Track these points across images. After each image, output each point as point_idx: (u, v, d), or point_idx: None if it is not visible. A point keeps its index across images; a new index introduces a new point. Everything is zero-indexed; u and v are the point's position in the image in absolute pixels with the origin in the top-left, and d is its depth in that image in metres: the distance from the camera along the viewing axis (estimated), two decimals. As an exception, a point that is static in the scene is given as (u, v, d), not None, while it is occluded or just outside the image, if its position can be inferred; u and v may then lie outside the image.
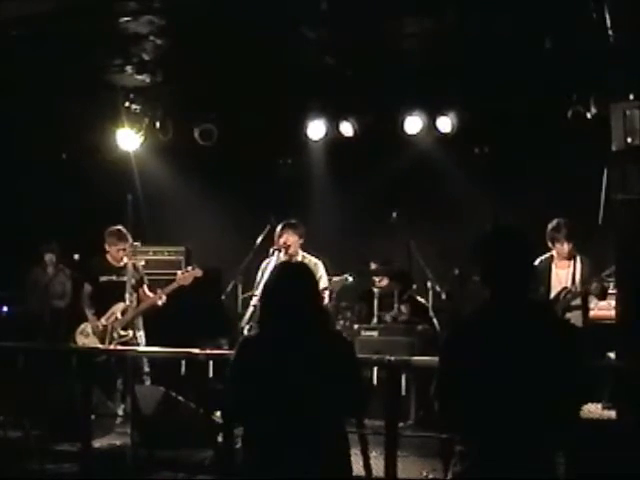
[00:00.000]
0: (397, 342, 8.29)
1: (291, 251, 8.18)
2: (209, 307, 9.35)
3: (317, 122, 10.02)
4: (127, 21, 7.89)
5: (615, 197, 6.58)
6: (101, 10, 7.61)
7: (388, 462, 5.73)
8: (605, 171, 6.81)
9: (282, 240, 8.18)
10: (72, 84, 9.11)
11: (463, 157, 9.93)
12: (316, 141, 10.20)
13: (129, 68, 9.20)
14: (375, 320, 8.83)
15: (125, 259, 8.51)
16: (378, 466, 5.81)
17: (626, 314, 6.56)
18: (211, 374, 7.36)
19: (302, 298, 3.85)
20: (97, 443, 7.09)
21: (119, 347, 8.12)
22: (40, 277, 10.24)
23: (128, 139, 10.40)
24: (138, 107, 10.27)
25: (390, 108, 9.76)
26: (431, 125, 9.72)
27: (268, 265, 8.09)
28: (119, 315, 8.35)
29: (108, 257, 8.57)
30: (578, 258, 7.90)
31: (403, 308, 9.00)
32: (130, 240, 8.53)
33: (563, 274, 7.90)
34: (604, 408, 7.28)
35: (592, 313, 8.01)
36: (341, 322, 8.84)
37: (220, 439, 6.50)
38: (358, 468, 5.57)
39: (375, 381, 7.43)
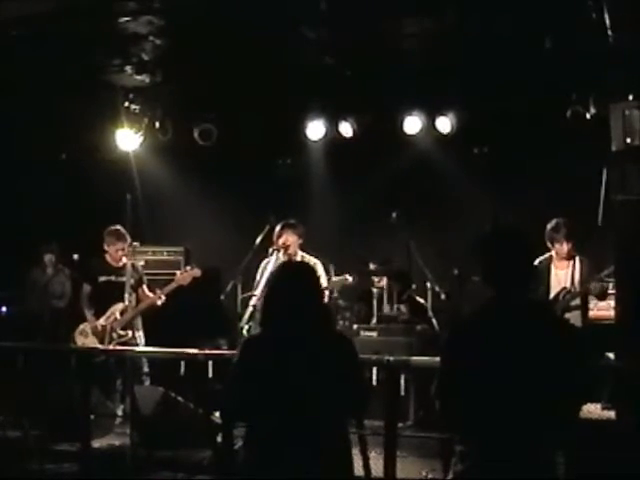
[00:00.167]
0: (396, 342, 8.29)
1: (290, 251, 8.19)
2: (208, 307, 9.35)
3: (316, 122, 10.02)
4: (126, 21, 7.88)
5: (614, 197, 6.57)
6: (101, 10, 7.61)
7: (387, 462, 5.73)
8: (604, 171, 6.80)
9: (281, 240, 8.19)
10: (72, 84, 9.11)
11: (462, 157, 9.93)
12: (315, 141, 10.20)
13: (128, 68, 9.20)
14: (374, 320, 8.83)
15: (124, 259, 8.51)
16: (377, 466, 5.80)
17: (625, 314, 6.55)
18: (210, 374, 7.35)
19: (305, 298, 3.85)
20: (96, 443, 7.08)
21: (118, 347, 8.12)
22: (39, 277, 10.23)
23: (127, 139, 10.39)
24: (137, 107, 10.26)
25: (389, 108, 9.76)
26: (430, 125, 9.72)
27: (267, 265, 8.10)
28: (118, 315, 8.34)
29: (107, 257, 8.57)
30: (577, 258, 7.89)
31: (402, 308, 9.00)
32: (129, 240, 8.52)
33: (562, 274, 7.89)
34: (603, 408, 7.27)
35: (591, 313, 8.01)
36: (340, 322, 8.84)
37: (219, 439, 6.50)
38: (357, 468, 5.54)
39: (374, 381, 7.43)
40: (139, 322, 8.56)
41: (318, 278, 4.13)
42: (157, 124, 10.42)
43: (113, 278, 8.49)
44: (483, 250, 3.69)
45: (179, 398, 7.13)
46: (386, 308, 8.96)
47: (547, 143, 9.26)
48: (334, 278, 8.45)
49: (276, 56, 8.53)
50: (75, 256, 9.83)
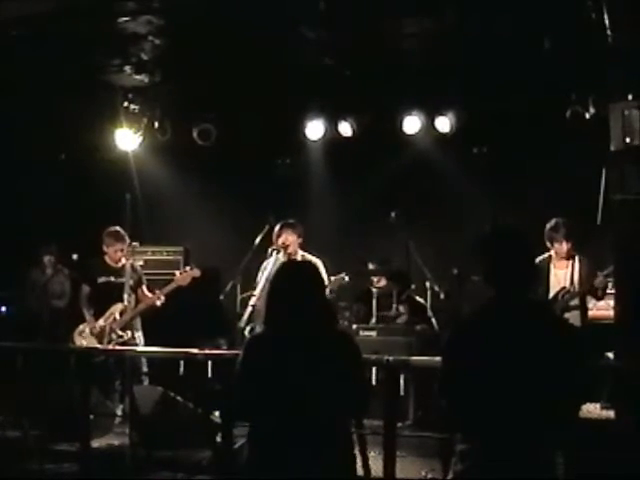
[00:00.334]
0: (396, 342, 8.29)
1: (290, 251, 8.19)
2: (208, 307, 9.35)
3: (316, 122, 10.02)
4: (126, 21, 7.88)
5: (614, 197, 6.57)
6: (100, 10, 7.61)
7: (387, 462, 5.72)
8: (604, 171, 6.80)
9: (281, 240, 8.19)
10: (71, 84, 9.11)
11: (462, 157, 9.93)
12: (315, 141, 10.20)
13: (128, 68, 9.20)
14: (374, 320, 8.83)
15: (123, 260, 8.51)
16: (377, 466, 5.80)
17: (625, 314, 6.55)
18: (210, 374, 7.36)
19: (307, 297, 3.84)
20: (96, 443, 7.07)
21: (117, 347, 8.12)
22: (38, 278, 10.23)
23: (127, 139, 10.39)
24: (137, 107, 10.26)
25: (389, 108, 9.76)
26: (430, 125, 9.72)
27: (267, 265, 8.10)
28: (117, 316, 8.34)
29: (106, 258, 8.56)
30: (577, 258, 7.89)
31: (402, 308, 9.00)
32: (128, 240, 8.52)
33: (562, 274, 7.89)
34: (602, 408, 7.28)
35: (591, 313, 8.02)
36: (340, 322, 8.83)
37: (219, 439, 6.50)
38: (357, 468, 5.56)
39: (374, 381, 7.43)
40: (138, 322, 8.56)
41: (321, 277, 4.11)
42: (156, 124, 10.42)
43: (112, 279, 8.49)
44: (483, 250, 3.69)
45: (178, 398, 7.12)
46: (385, 308, 8.96)
47: (546, 143, 9.26)
48: (331, 278, 8.45)
49: (275, 56, 8.53)
50: (74, 256, 9.82)
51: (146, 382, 8.18)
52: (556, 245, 7.82)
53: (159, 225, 10.91)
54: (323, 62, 8.82)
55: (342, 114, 9.95)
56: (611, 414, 6.72)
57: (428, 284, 8.77)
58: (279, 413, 3.68)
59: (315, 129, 10.05)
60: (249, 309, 7.86)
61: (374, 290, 8.99)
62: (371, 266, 9.35)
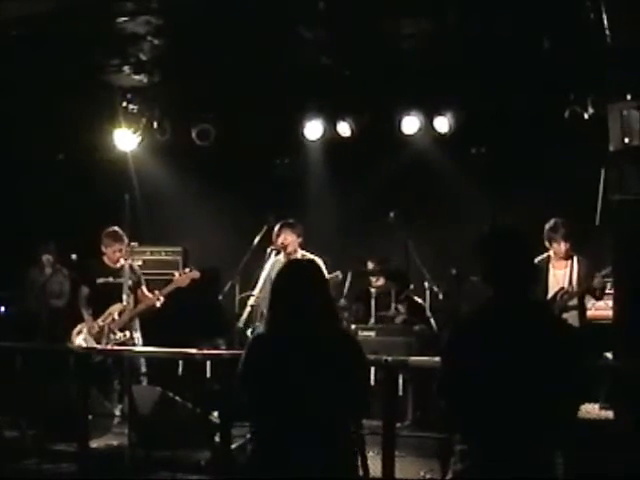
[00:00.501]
0: (394, 342, 8.28)
1: (289, 250, 8.19)
2: (206, 307, 9.35)
3: (314, 122, 10.01)
4: (125, 21, 7.88)
5: (612, 197, 6.58)
6: (99, 10, 7.61)
7: (385, 462, 5.73)
8: (602, 171, 6.80)
9: (280, 240, 8.19)
10: (70, 84, 9.11)
11: (460, 157, 9.93)
12: (313, 141, 10.20)
13: (127, 68, 9.21)
14: (372, 320, 8.82)
15: (122, 260, 8.50)
16: (375, 466, 5.80)
17: (623, 314, 6.56)
18: (208, 374, 7.36)
19: (310, 297, 3.83)
20: (94, 443, 7.07)
21: (116, 347, 8.11)
22: (37, 277, 10.22)
23: (125, 139, 10.38)
24: (135, 107, 10.25)
25: (387, 108, 9.76)
26: (428, 125, 9.72)
27: (266, 266, 8.10)
28: (116, 316, 8.33)
29: (105, 259, 8.56)
30: (575, 258, 7.89)
31: (400, 308, 9.00)
32: (126, 241, 8.52)
33: (560, 274, 7.89)
34: (601, 408, 7.27)
35: (589, 313, 8.01)
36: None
37: (217, 439, 6.50)
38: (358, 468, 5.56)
39: (372, 381, 7.42)
40: (137, 323, 8.55)
41: (323, 276, 4.07)
42: (155, 124, 10.41)
43: (111, 279, 8.49)
44: (482, 250, 3.69)
45: (177, 398, 7.12)
46: (384, 308, 8.95)
47: (545, 143, 9.25)
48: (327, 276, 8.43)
49: (274, 56, 8.53)
50: (73, 256, 9.81)
51: (145, 382, 8.19)
52: (555, 245, 7.82)
53: (158, 225, 10.90)
54: (322, 62, 8.82)
55: (341, 114, 9.94)
56: (610, 414, 6.72)
57: (427, 284, 8.76)
58: (281, 413, 3.68)
59: (314, 129, 10.05)
60: (248, 309, 7.87)
61: (373, 290, 8.99)
62: (370, 266, 9.34)
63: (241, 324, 7.87)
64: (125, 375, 7.81)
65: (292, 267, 4.23)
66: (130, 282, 8.45)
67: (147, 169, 10.77)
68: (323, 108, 9.94)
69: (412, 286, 9.12)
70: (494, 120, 9.28)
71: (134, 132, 10.39)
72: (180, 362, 8.19)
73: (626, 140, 6.45)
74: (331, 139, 10.12)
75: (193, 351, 6.81)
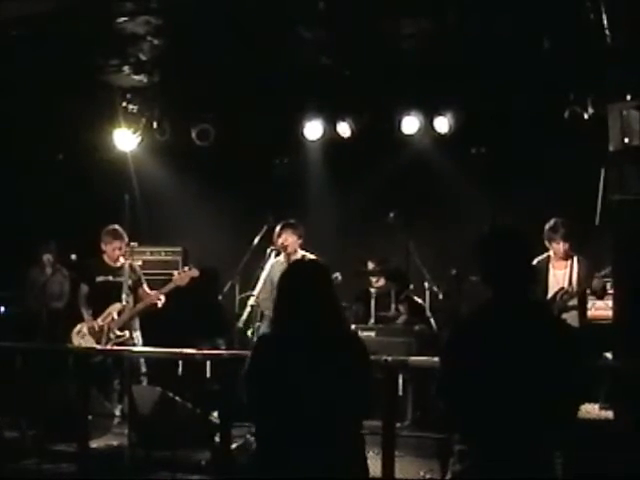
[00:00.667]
0: (394, 342, 8.27)
1: (289, 251, 8.20)
2: (206, 307, 9.35)
3: (314, 122, 10.01)
4: (124, 21, 7.89)
5: (612, 197, 6.58)
6: (99, 10, 7.61)
7: (385, 462, 5.73)
8: (602, 171, 6.80)
9: (281, 240, 8.20)
10: (70, 84, 9.11)
11: (460, 157, 9.92)
12: (313, 141, 10.20)
13: (126, 68, 9.22)
14: (372, 320, 8.82)
15: (122, 259, 8.50)
16: (375, 466, 5.77)
17: (623, 314, 6.56)
18: (208, 374, 7.36)
19: (313, 297, 3.83)
20: (94, 443, 7.07)
21: (116, 347, 8.11)
22: (38, 277, 10.22)
23: (125, 139, 10.39)
24: (135, 107, 10.26)
25: (387, 108, 9.76)
26: (428, 125, 9.72)
27: (266, 266, 8.10)
28: (115, 315, 8.32)
29: (105, 257, 8.56)
30: (575, 258, 7.88)
31: (400, 308, 9.00)
32: (126, 239, 8.51)
33: (560, 274, 7.88)
34: (601, 408, 7.27)
35: (589, 313, 8.00)
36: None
37: (217, 439, 6.50)
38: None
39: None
40: (136, 322, 8.55)
41: (328, 276, 4.05)
42: (155, 124, 10.41)
43: (111, 278, 8.48)
44: (482, 250, 3.69)
45: (177, 398, 7.12)
46: (384, 308, 8.95)
47: (545, 143, 9.25)
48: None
49: (274, 56, 8.53)
50: (73, 256, 9.83)
51: (145, 382, 8.18)
52: (554, 245, 7.82)
53: (158, 225, 10.90)
54: (321, 62, 8.82)
55: (341, 114, 9.94)
56: (610, 414, 6.72)
57: (427, 284, 8.76)
58: (284, 413, 3.67)
59: (314, 129, 10.05)
60: (248, 309, 7.87)
61: (372, 290, 8.98)
62: (370, 266, 9.34)
63: (241, 324, 7.88)
64: (125, 375, 7.81)
65: (297, 267, 4.22)
66: (130, 281, 8.44)
67: (147, 169, 10.78)
68: (323, 108, 9.94)
69: (412, 286, 9.11)
70: (494, 120, 9.27)
71: (134, 132, 10.39)
72: (180, 362, 8.18)
73: (626, 140, 6.45)
74: (331, 139, 10.12)
75: (193, 351, 6.81)
